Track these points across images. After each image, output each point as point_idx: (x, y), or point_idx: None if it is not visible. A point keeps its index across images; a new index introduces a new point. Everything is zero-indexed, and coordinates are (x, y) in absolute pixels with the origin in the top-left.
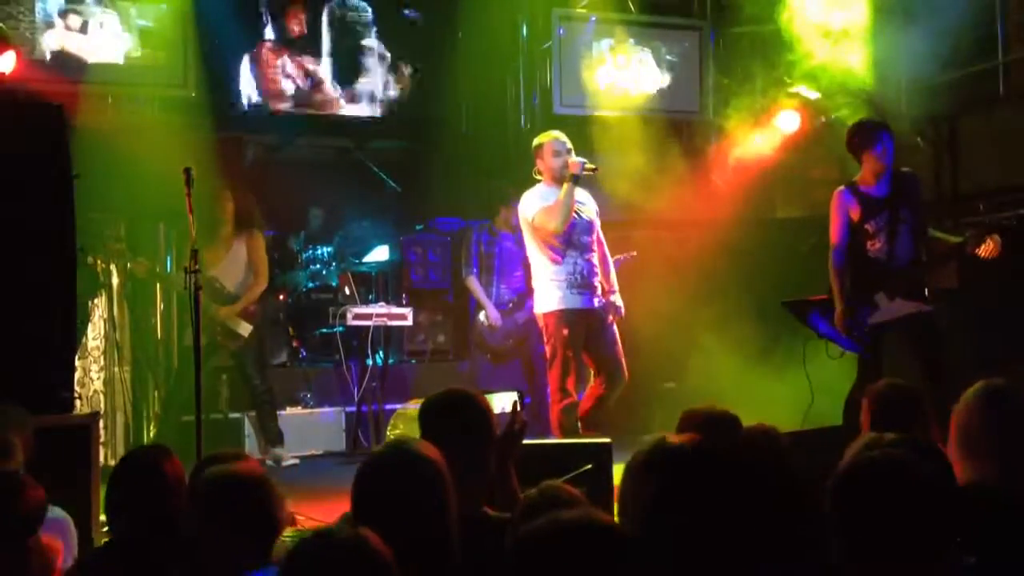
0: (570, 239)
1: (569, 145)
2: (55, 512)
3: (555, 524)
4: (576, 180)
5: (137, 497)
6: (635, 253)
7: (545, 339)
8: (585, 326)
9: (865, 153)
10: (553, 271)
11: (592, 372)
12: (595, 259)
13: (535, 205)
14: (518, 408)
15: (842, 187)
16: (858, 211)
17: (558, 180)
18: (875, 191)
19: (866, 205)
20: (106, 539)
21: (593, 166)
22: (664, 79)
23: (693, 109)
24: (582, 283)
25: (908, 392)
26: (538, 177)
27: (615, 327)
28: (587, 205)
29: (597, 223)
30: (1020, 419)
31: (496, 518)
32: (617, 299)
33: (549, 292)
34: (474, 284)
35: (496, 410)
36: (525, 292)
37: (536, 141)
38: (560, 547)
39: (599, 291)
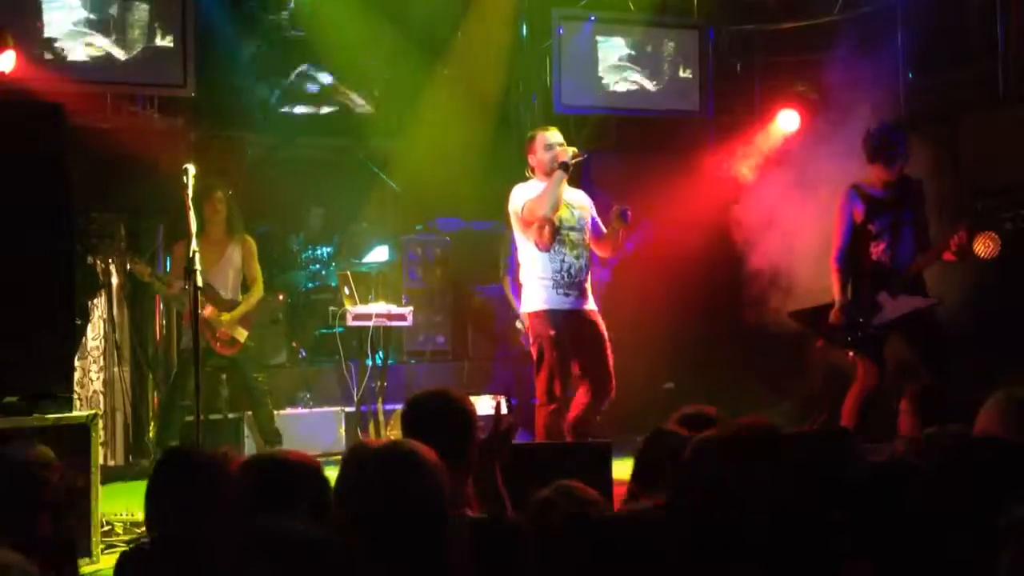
0: (559, 234)
1: (560, 139)
2: None
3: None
4: (566, 169)
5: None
6: None
7: (531, 340)
8: (571, 328)
9: (878, 163)
10: (540, 268)
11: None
12: (586, 259)
13: (524, 196)
14: (503, 410)
15: (847, 188)
16: (862, 212)
17: (548, 173)
18: (880, 193)
19: (870, 206)
20: (107, 540)
21: (580, 155)
22: (664, 78)
23: (693, 109)
24: (568, 283)
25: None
26: (530, 175)
27: (606, 337)
28: (583, 204)
29: (589, 223)
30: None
31: (475, 521)
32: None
33: (534, 291)
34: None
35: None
36: None
37: (529, 135)
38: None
39: (588, 294)
